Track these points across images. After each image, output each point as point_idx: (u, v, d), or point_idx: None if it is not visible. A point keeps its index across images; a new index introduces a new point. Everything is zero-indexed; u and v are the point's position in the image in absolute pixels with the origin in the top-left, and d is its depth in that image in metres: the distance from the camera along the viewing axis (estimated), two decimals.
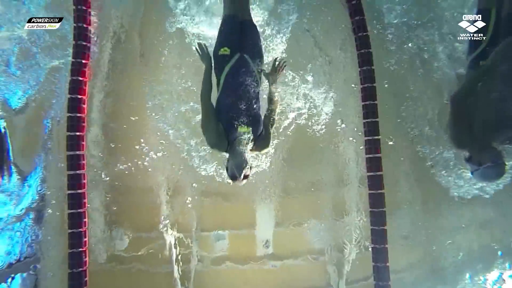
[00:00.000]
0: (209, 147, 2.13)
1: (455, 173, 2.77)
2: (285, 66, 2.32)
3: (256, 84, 2.11)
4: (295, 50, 2.83)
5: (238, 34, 2.21)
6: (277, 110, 2.22)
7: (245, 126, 1.99)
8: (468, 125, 2.15)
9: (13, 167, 2.62)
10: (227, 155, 2.07)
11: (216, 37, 2.29)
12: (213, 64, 2.20)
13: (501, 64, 2.12)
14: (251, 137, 2.01)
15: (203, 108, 2.07)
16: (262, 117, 2.14)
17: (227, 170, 2.03)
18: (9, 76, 2.68)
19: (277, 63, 2.30)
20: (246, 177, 1.94)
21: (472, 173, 2.23)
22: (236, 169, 1.89)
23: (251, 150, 2.05)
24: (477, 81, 2.19)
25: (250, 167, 1.96)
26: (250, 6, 2.40)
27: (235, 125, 1.98)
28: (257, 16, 2.74)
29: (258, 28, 2.41)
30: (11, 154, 2.62)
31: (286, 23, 2.83)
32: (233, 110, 2.01)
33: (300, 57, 2.83)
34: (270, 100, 2.22)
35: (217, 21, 2.45)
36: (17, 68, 2.68)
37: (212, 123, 2.01)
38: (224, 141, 1.99)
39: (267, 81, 2.31)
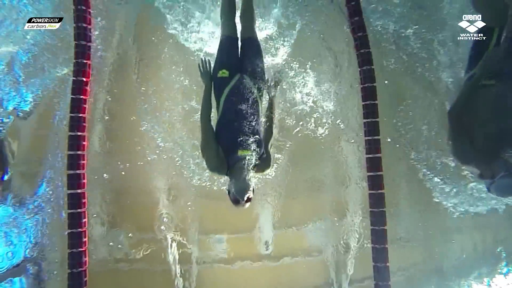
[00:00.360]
0: (208, 170, 2.03)
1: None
2: (281, 80, 2.29)
3: (256, 106, 2.05)
4: (297, 49, 2.85)
5: (238, 54, 2.17)
6: (276, 130, 2.16)
7: (246, 150, 1.93)
8: (469, 139, 2.11)
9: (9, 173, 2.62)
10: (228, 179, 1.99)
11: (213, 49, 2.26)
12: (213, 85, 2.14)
13: (487, 76, 2.13)
14: (252, 161, 1.93)
15: (203, 131, 2.00)
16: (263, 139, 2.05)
17: (229, 194, 1.92)
18: (15, 81, 2.67)
19: (274, 77, 2.27)
20: (249, 200, 1.85)
21: (488, 189, 2.11)
22: (238, 193, 1.82)
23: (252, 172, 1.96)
24: (470, 94, 2.17)
25: (253, 190, 1.88)
26: (256, 22, 2.35)
27: (235, 149, 1.92)
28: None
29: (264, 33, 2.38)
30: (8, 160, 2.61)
31: (289, 30, 2.84)
32: (233, 133, 1.95)
33: (302, 57, 2.84)
34: (269, 113, 2.16)
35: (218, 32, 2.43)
36: (23, 73, 2.68)
37: (211, 146, 1.95)
38: (224, 164, 1.93)
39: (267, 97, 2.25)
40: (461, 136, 2.14)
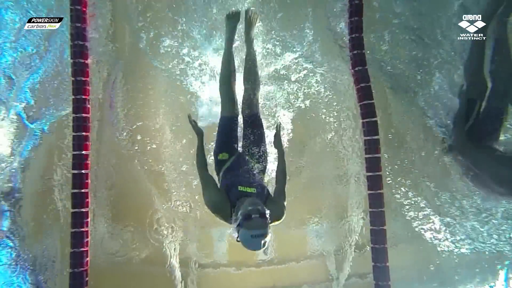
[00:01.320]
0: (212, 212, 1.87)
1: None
2: (279, 128, 2.24)
3: (255, 177, 1.97)
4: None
5: (237, 132, 2.14)
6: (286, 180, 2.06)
7: (247, 187, 1.85)
8: (492, 155, 2.20)
9: None
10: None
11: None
12: (209, 158, 2.09)
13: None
14: (259, 195, 1.84)
15: (201, 180, 1.97)
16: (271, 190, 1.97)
17: (237, 237, 1.67)
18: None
19: (277, 129, 2.22)
20: (264, 218, 1.61)
21: None
22: (247, 209, 1.61)
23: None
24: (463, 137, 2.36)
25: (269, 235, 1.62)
26: (260, 88, 2.30)
27: (236, 185, 1.85)
28: None
29: None
30: None
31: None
32: (234, 183, 1.88)
33: (304, 57, 2.85)
34: (279, 166, 2.10)
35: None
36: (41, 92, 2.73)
37: (210, 187, 1.89)
38: (227, 203, 1.80)
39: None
40: (484, 156, 2.28)
